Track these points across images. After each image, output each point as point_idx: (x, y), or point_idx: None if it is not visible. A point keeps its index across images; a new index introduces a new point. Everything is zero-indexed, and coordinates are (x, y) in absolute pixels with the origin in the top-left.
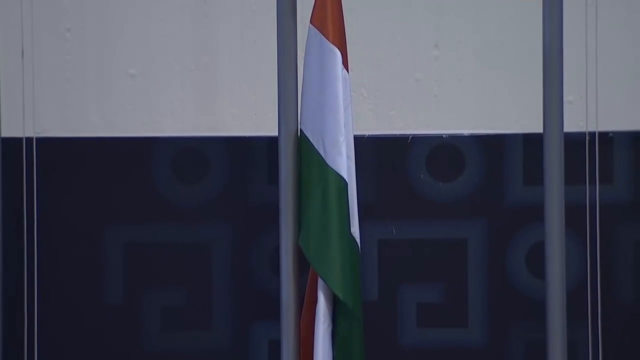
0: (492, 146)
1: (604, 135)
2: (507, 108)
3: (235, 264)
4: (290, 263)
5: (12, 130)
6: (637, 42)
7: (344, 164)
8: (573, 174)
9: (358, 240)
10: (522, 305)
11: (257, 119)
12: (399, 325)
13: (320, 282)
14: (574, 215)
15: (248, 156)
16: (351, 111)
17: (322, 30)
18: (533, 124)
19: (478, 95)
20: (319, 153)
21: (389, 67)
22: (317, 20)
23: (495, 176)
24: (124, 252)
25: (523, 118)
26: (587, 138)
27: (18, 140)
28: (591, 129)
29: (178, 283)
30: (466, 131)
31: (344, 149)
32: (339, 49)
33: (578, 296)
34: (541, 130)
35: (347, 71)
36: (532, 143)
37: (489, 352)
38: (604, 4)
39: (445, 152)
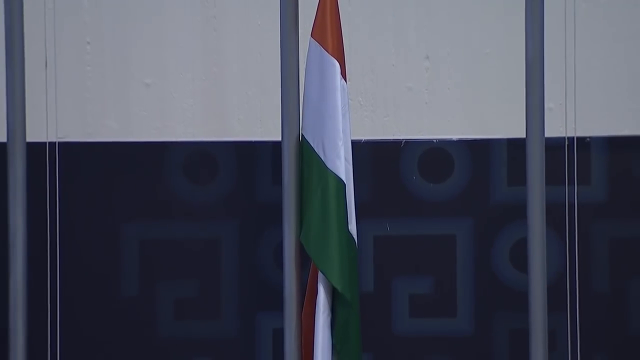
0: (478, 150)
1: (581, 140)
2: (492, 115)
3: (242, 258)
4: (292, 258)
5: (36, 135)
6: (613, 54)
7: (342, 166)
8: (553, 176)
9: (355, 236)
10: (506, 297)
11: (262, 125)
12: (392, 315)
13: (320, 275)
14: (554, 213)
15: (254, 159)
16: (349, 118)
17: (322, 43)
18: (516, 130)
19: (466, 103)
20: (319, 156)
21: (383, 77)
22: (317, 33)
23: (482, 178)
24: (139, 247)
25: (507, 124)
26: (566, 142)
27: (42, 144)
28: (570, 134)
29: (189, 276)
30: (455, 136)
31: (342, 153)
32: (337, 60)
33: (558, 288)
34: (524, 135)
35: (345, 81)
36: (515, 147)
37: (476, 340)
38: (582, 19)
39: (435, 155)
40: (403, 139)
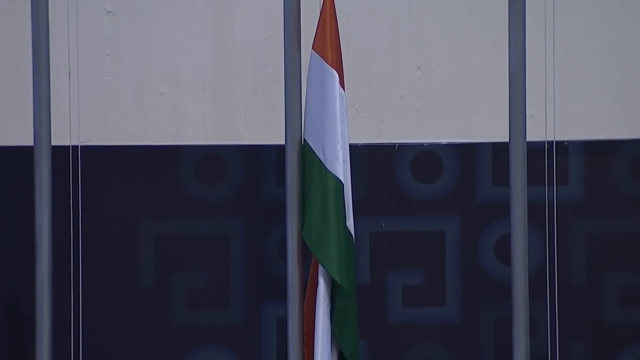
0: (466, 153)
1: (560, 143)
2: (478, 120)
3: (249, 252)
4: (295, 252)
5: (60, 139)
6: (589, 65)
7: (340, 168)
8: (534, 177)
9: (353, 232)
10: (492, 288)
11: (267, 130)
12: (387, 305)
13: (320, 268)
14: (535, 211)
15: (259, 161)
16: (347, 123)
17: (322, 54)
18: (500, 134)
19: (454, 110)
20: (320, 159)
21: (378, 86)
22: (318, 46)
23: (469, 178)
24: (154, 242)
25: (492, 129)
26: (546, 146)
27: (65, 148)
28: (550, 138)
29: (200, 269)
30: (444, 140)
31: (341, 155)
32: (336, 70)
33: (538, 280)
34: (507, 140)
35: (344, 89)
36: (499, 150)
37: (464, 327)
38: (561, 33)
39: (426, 158)
40: (396, 143)
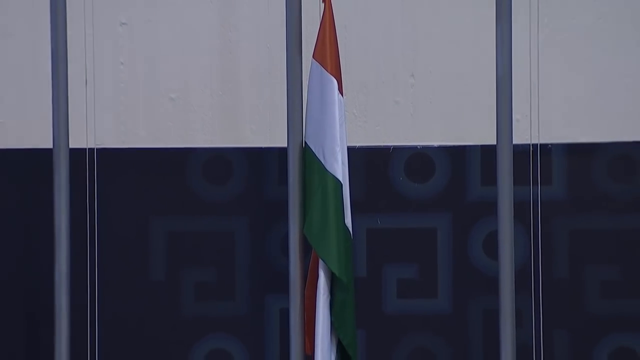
0: (456, 155)
1: (544, 146)
2: (468, 125)
3: (253, 248)
4: (296, 247)
5: (78, 142)
6: (571, 73)
7: (339, 169)
8: (520, 177)
9: (350, 229)
10: (480, 281)
11: (271, 134)
12: (382, 297)
13: (320, 262)
14: (520, 210)
15: (263, 163)
16: (345, 127)
17: (322, 63)
18: (488, 137)
19: (445, 115)
20: (320, 160)
21: (375, 92)
22: (318, 55)
23: (459, 179)
24: (165, 238)
25: (481, 132)
26: (531, 149)
27: (82, 150)
28: (534, 141)
29: (208, 263)
30: (436, 143)
31: (339, 157)
32: (335, 78)
33: (524, 274)
34: (495, 142)
35: (342, 95)
36: (487, 152)
37: (454, 318)
38: (546, 44)
39: (419, 159)
40: (391, 145)
